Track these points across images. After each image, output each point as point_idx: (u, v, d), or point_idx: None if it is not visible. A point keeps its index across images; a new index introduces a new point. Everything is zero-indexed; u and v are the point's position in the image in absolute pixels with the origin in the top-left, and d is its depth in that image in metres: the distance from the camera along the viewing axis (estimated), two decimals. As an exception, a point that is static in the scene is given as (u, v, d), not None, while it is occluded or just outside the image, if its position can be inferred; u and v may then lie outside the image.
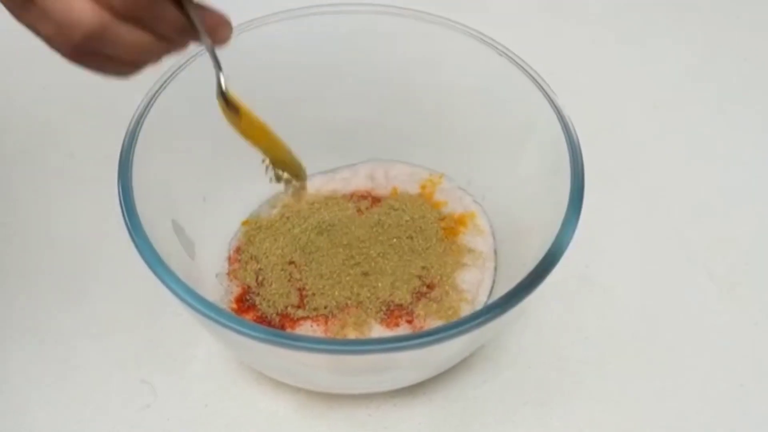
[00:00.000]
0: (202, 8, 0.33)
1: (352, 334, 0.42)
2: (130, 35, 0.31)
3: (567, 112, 0.41)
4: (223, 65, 0.45)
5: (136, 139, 0.40)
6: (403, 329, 0.42)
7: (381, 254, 0.44)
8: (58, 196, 0.52)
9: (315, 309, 0.42)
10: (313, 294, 0.43)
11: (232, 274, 0.45)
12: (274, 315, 0.43)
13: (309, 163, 0.49)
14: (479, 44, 0.45)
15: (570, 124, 0.41)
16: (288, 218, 0.46)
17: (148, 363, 0.44)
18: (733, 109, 0.59)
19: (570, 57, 0.61)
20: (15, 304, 0.46)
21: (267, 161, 0.42)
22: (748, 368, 0.45)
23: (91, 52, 0.32)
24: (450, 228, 0.47)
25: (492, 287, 0.45)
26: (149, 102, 0.41)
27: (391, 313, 0.43)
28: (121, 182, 0.38)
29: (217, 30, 0.34)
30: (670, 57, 0.62)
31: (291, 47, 0.47)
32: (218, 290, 0.44)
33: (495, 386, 0.43)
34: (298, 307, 0.43)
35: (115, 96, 0.55)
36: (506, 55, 0.44)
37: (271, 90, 0.48)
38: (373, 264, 0.43)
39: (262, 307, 0.43)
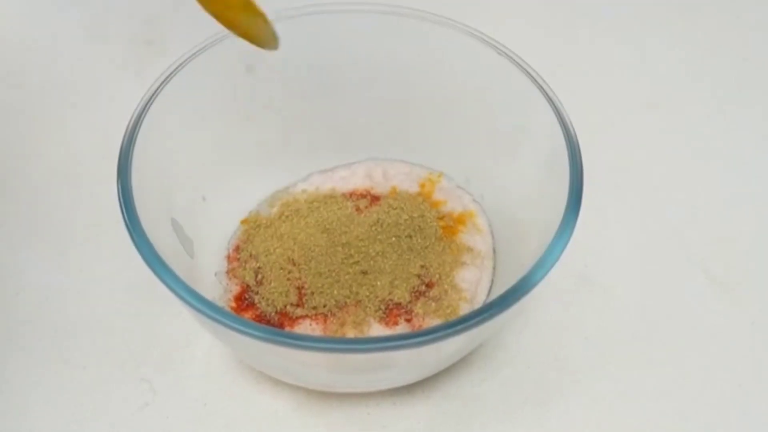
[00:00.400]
0: None
1: (351, 333, 0.42)
2: None
3: (566, 111, 0.41)
4: (223, 65, 0.45)
5: (135, 138, 0.40)
6: (402, 328, 0.42)
7: (380, 253, 0.44)
8: (57, 195, 0.52)
9: (314, 307, 0.42)
10: (312, 293, 0.43)
11: (231, 272, 0.45)
12: (273, 314, 0.43)
13: (307, 161, 0.50)
14: (478, 43, 0.45)
15: (569, 124, 0.41)
16: (287, 217, 0.46)
17: (147, 362, 0.44)
18: (732, 109, 0.59)
19: (569, 57, 0.61)
20: (12, 302, 0.46)
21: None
22: (746, 368, 0.45)
23: None
24: (449, 227, 0.47)
25: (491, 286, 0.45)
26: (149, 100, 0.41)
27: (390, 311, 0.43)
28: (120, 181, 0.38)
29: None
30: (670, 56, 0.62)
31: (288, 46, 0.47)
32: (217, 289, 0.44)
33: (494, 385, 0.43)
34: (297, 305, 0.43)
35: (115, 94, 0.56)
36: (505, 54, 0.44)
37: (269, 89, 0.48)
38: (372, 263, 0.43)
39: (261, 305, 0.43)
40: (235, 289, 0.44)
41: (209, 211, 0.46)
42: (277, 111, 0.49)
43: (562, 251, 0.36)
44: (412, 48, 0.47)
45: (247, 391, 0.43)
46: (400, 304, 0.43)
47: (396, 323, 0.42)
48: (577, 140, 0.40)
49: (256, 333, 0.33)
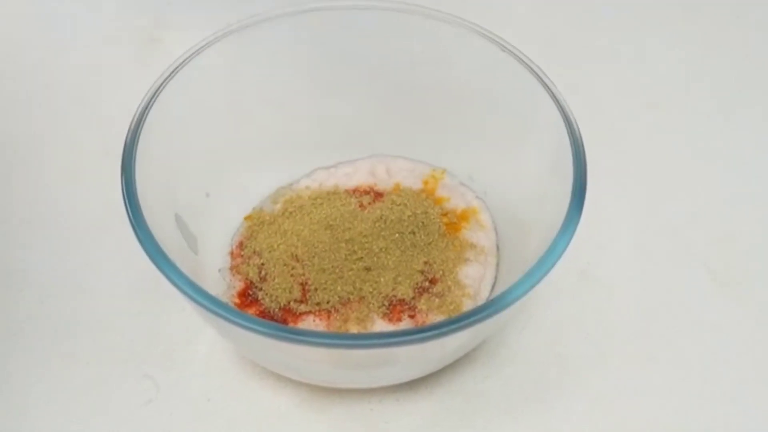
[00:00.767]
0: None
1: (354, 329, 0.42)
2: None
3: (569, 107, 0.41)
4: (227, 61, 0.45)
5: (140, 134, 0.40)
6: (406, 324, 0.42)
7: (383, 249, 0.44)
8: (60, 191, 0.52)
9: (317, 304, 0.42)
10: (316, 289, 0.43)
11: (234, 269, 0.45)
12: (277, 310, 0.43)
13: (311, 158, 0.50)
14: (482, 40, 0.45)
15: (573, 121, 0.41)
16: (291, 213, 0.46)
17: (151, 358, 0.44)
18: (734, 108, 0.59)
19: (572, 55, 0.61)
20: (16, 298, 0.46)
21: None
22: (748, 366, 0.45)
23: None
24: (452, 223, 0.47)
25: (494, 283, 0.45)
26: (153, 96, 0.41)
27: (394, 308, 0.43)
28: (125, 177, 0.38)
29: None
30: (672, 56, 0.62)
31: (293, 42, 0.47)
32: (221, 285, 0.44)
33: (497, 382, 0.43)
34: (301, 301, 0.43)
35: (119, 90, 0.56)
36: (510, 51, 0.44)
37: (274, 85, 0.48)
38: (375, 259, 0.43)
39: (264, 301, 0.43)
40: (239, 285, 0.44)
41: (213, 207, 0.46)
42: (281, 107, 0.49)
43: (565, 248, 0.36)
44: (416, 45, 0.47)
45: (250, 387, 0.43)
46: (403, 300, 0.43)
47: (399, 319, 0.42)
48: (581, 137, 0.40)
49: (260, 328, 0.33)
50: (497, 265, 0.46)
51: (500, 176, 0.47)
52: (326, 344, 0.34)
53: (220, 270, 0.45)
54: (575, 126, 0.41)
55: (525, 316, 0.46)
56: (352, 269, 0.43)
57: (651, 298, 0.47)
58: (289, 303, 0.43)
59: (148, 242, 0.36)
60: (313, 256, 0.44)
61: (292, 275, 0.43)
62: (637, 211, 0.51)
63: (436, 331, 0.34)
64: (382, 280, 0.43)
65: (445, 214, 0.47)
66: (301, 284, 0.43)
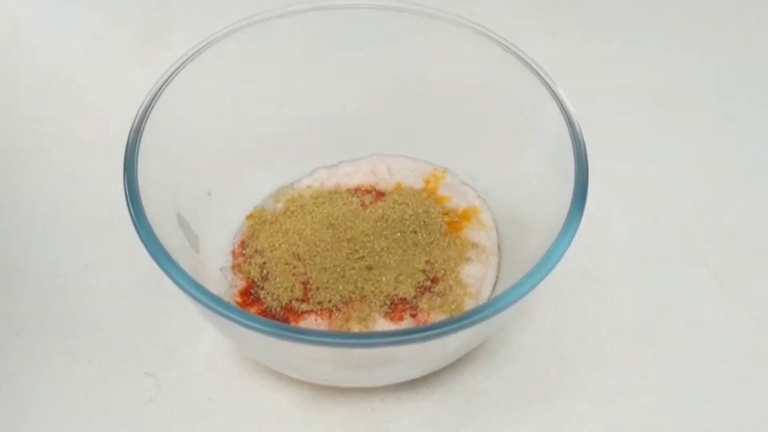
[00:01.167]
0: None
1: (356, 328, 0.42)
2: None
3: (571, 107, 0.41)
4: (228, 60, 0.45)
5: (142, 133, 0.40)
6: (407, 323, 0.42)
7: (385, 248, 0.44)
8: (62, 190, 0.52)
9: (319, 303, 0.42)
10: (317, 288, 0.43)
11: (236, 268, 0.45)
12: (279, 308, 0.43)
13: (312, 157, 0.50)
14: (484, 39, 0.45)
15: (574, 120, 0.41)
16: (292, 212, 0.46)
17: (152, 357, 0.44)
18: (735, 107, 0.59)
19: (573, 54, 0.61)
20: (17, 297, 0.46)
21: None
22: (749, 365, 0.45)
23: None
24: (454, 222, 0.47)
25: (495, 282, 0.45)
26: (155, 96, 0.41)
27: (395, 307, 0.43)
28: (127, 176, 0.38)
29: None
30: (672, 55, 0.63)
31: (295, 41, 0.47)
32: (222, 284, 0.44)
33: (497, 381, 0.43)
34: (303, 300, 0.43)
35: (121, 90, 0.56)
36: (511, 50, 0.44)
37: (275, 84, 0.48)
38: (377, 258, 0.43)
39: (266, 300, 0.43)
40: (241, 284, 0.44)
41: (215, 206, 0.46)
42: (282, 107, 0.49)
43: (566, 248, 0.36)
44: (418, 44, 0.47)
45: (251, 386, 0.43)
46: (405, 299, 0.43)
47: (401, 318, 0.42)
48: (582, 137, 0.40)
49: (262, 327, 0.33)
50: (499, 264, 0.46)
51: (502, 175, 0.47)
52: (328, 343, 0.34)
53: (221, 269, 0.45)
54: (577, 125, 0.41)
55: (527, 315, 0.46)
56: (353, 268, 0.43)
57: (652, 297, 0.47)
58: (290, 302, 0.43)
59: (150, 241, 0.36)
60: (315, 255, 0.44)
61: (293, 274, 0.43)
62: (638, 211, 0.52)
63: (438, 331, 0.34)
64: (383, 279, 0.43)
65: (446, 214, 0.47)
66: (303, 283, 0.43)
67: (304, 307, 0.43)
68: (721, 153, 0.56)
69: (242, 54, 0.46)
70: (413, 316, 0.43)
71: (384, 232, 0.44)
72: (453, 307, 0.43)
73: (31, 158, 0.54)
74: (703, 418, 0.42)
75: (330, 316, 0.42)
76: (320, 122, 0.49)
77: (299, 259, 0.44)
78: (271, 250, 0.45)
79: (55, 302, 0.46)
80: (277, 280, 0.43)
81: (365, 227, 0.45)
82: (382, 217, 0.45)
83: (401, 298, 0.43)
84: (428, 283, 0.44)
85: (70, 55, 0.61)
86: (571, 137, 0.40)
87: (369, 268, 0.43)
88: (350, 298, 0.43)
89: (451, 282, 0.44)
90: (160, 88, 0.42)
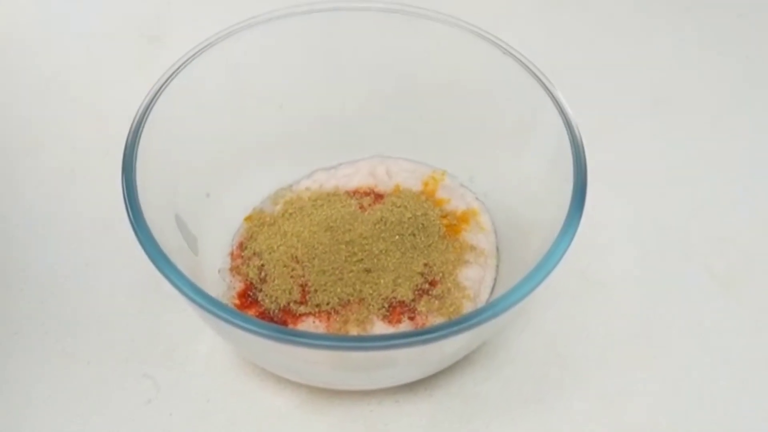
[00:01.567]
0: None
1: (354, 331, 0.42)
2: None
3: (570, 110, 0.41)
4: (227, 60, 0.45)
5: (140, 134, 0.40)
6: (405, 326, 0.42)
7: (383, 251, 0.44)
8: (61, 190, 0.52)
9: (317, 305, 0.42)
10: (316, 290, 0.43)
11: (234, 269, 0.45)
12: (277, 311, 0.43)
13: (311, 159, 0.50)
14: (483, 42, 0.45)
15: (573, 123, 0.41)
16: (291, 214, 0.46)
17: (151, 358, 0.44)
18: (735, 108, 0.59)
19: (571, 55, 0.61)
20: (17, 297, 0.46)
21: None
22: (748, 366, 0.45)
23: None
24: (452, 225, 0.47)
25: (494, 284, 0.45)
26: (153, 97, 0.41)
27: (393, 309, 0.43)
28: (125, 177, 0.38)
29: None
30: (672, 54, 0.62)
31: (294, 43, 0.47)
32: (221, 286, 0.44)
33: (496, 383, 0.43)
34: (301, 303, 0.43)
35: (120, 91, 0.56)
36: (510, 53, 0.44)
37: (274, 85, 0.48)
38: (375, 261, 0.43)
39: (264, 302, 0.43)
40: (239, 286, 0.44)
41: (213, 207, 0.46)
42: (281, 108, 0.49)
43: (565, 250, 0.36)
44: (417, 46, 0.47)
45: (249, 388, 0.43)
46: (403, 302, 0.43)
47: (399, 321, 0.42)
48: (581, 139, 0.40)
49: (260, 330, 0.33)
50: (497, 267, 0.46)
51: (500, 178, 0.47)
52: (326, 346, 0.34)
53: (219, 271, 0.45)
54: (575, 128, 0.41)
55: (525, 317, 0.46)
56: (352, 271, 0.43)
57: (651, 298, 0.47)
58: (288, 304, 0.43)
59: (148, 243, 0.36)
60: (313, 258, 0.44)
61: (292, 276, 0.43)
62: (637, 212, 0.51)
63: (436, 334, 0.34)
64: (381, 281, 0.43)
65: (445, 216, 0.47)
66: (301, 285, 0.43)
67: (302, 309, 0.43)
68: (721, 153, 0.55)
69: (241, 55, 0.46)
70: (411, 319, 0.43)
71: (382, 235, 0.44)
72: (451, 310, 0.43)
73: (30, 158, 0.54)
74: (703, 418, 0.42)
75: (328, 319, 0.42)
76: (319, 124, 0.49)
77: (297, 262, 0.44)
78: (270, 252, 0.45)
79: (55, 302, 0.46)
80: (276, 282, 0.43)
81: (364, 230, 0.45)
82: (381, 220, 0.45)
83: (399, 301, 0.43)
84: (426, 285, 0.44)
85: (69, 55, 0.61)
86: (569, 139, 0.40)
87: (367, 270, 0.43)
88: (348, 300, 0.43)
89: (449, 285, 0.44)
90: (160, 88, 0.42)
